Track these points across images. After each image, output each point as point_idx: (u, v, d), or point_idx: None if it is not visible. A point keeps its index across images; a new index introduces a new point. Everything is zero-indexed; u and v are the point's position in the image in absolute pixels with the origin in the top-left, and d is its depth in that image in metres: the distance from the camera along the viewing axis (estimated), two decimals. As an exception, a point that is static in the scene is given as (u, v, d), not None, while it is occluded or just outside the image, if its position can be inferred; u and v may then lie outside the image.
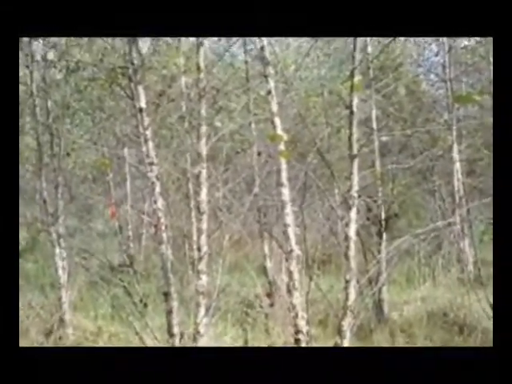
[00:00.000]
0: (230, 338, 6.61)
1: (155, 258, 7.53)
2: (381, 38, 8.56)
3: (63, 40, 7.74)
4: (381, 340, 6.91)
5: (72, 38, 7.66)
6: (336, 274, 8.01)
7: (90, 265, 7.97)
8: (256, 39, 5.53)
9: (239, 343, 6.44)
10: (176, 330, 5.32)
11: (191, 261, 5.82)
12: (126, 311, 5.97)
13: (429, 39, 11.14)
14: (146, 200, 10.36)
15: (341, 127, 9.19)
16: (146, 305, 5.41)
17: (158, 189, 5.49)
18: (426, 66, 12.23)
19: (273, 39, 9.31)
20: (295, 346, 4.97)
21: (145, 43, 8.66)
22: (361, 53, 5.02)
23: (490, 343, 6.31)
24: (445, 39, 10.54)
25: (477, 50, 10.96)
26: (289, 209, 5.20)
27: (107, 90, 8.14)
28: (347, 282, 4.56)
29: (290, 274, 5.19)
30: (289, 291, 5.23)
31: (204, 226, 5.32)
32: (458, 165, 10.19)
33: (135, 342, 5.71)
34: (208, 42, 8.66)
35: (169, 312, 5.34)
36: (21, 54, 7.03)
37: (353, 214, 4.60)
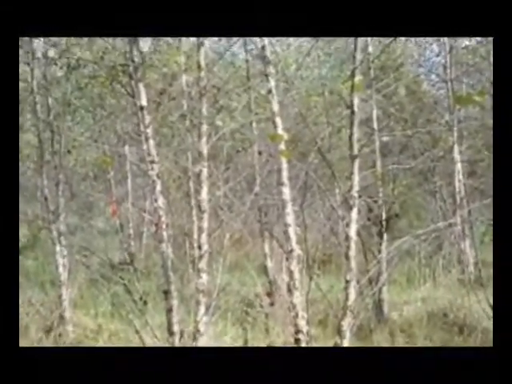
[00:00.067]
0: (229, 337, 6.61)
1: (156, 256, 7.53)
2: (382, 38, 8.56)
3: (64, 38, 7.74)
4: (380, 340, 6.91)
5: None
6: (336, 274, 8.01)
7: (91, 262, 7.97)
8: (257, 39, 5.53)
9: (239, 342, 6.44)
10: (176, 328, 5.31)
11: (192, 259, 5.82)
12: (126, 309, 5.97)
13: (430, 39, 11.14)
14: (147, 198, 10.36)
15: (342, 127, 9.18)
16: (146, 303, 5.41)
17: (158, 187, 5.49)
18: (427, 66, 12.23)
19: (274, 38, 9.33)
20: (295, 345, 4.96)
21: (145, 42, 8.64)
22: (362, 53, 5.01)
23: (489, 344, 6.32)
24: (446, 39, 10.54)
25: (478, 50, 10.95)
26: (289, 208, 5.19)
27: (108, 88, 8.13)
28: (347, 282, 4.56)
29: (290, 273, 5.19)
30: (289, 291, 5.22)
31: (205, 224, 5.32)
32: (458, 166, 10.18)
33: (135, 340, 5.71)
34: (209, 41, 8.66)
35: (169, 310, 5.34)
36: (21, 52, 7.03)
37: (353, 214, 4.60)
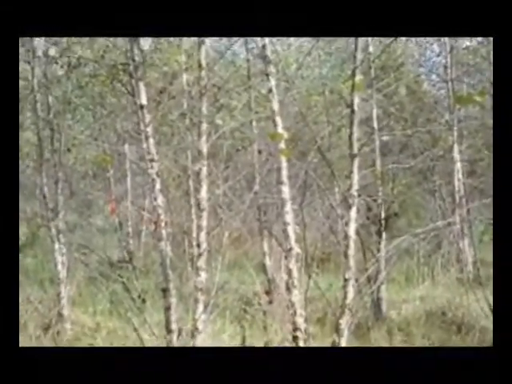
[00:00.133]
0: (227, 335, 6.62)
1: (154, 254, 7.54)
2: (382, 38, 8.57)
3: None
4: (378, 338, 6.92)
5: (73, 35, 7.66)
6: (335, 273, 8.01)
7: (90, 260, 7.98)
8: (258, 38, 5.53)
9: (237, 340, 6.45)
10: (174, 326, 5.32)
11: (190, 257, 5.82)
12: (124, 307, 5.97)
13: (430, 39, 11.14)
14: (146, 196, 10.37)
15: (342, 126, 9.19)
16: (144, 301, 5.41)
17: (158, 185, 5.50)
18: (427, 66, 12.24)
19: (275, 38, 9.33)
20: (293, 344, 4.97)
21: (146, 40, 8.64)
22: (362, 52, 5.03)
23: (487, 342, 6.35)
24: (446, 39, 10.55)
25: (478, 50, 10.96)
26: (289, 207, 5.20)
27: (108, 87, 8.14)
28: (346, 280, 4.57)
29: (289, 271, 5.19)
30: (287, 289, 5.23)
31: (204, 222, 5.32)
32: (458, 165, 10.19)
33: (133, 338, 5.72)
34: (209, 39, 8.64)
35: (167, 308, 5.34)
36: (22, 50, 7.04)
37: (353, 213, 4.62)
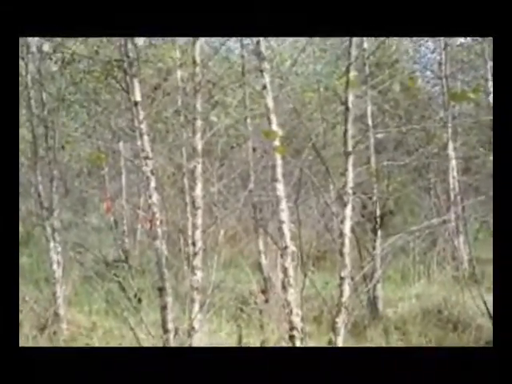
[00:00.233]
0: (224, 334, 6.61)
1: (150, 253, 7.51)
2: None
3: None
4: (375, 337, 6.92)
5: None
6: (331, 271, 8.01)
7: (85, 259, 7.94)
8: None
9: (233, 339, 6.43)
10: (170, 325, 5.30)
11: (186, 256, 5.80)
12: (120, 306, 5.95)
13: (425, 36, 11.14)
14: (141, 195, 10.33)
15: (336, 123, 9.17)
16: (140, 300, 5.38)
17: (153, 183, 5.47)
18: (422, 62, 12.24)
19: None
20: (290, 344, 4.95)
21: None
22: (357, 49, 5.02)
23: (484, 340, 6.35)
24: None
25: (473, 47, 10.98)
26: (284, 205, 5.17)
27: (103, 83, 8.09)
28: (342, 278, 4.56)
29: (284, 270, 5.17)
30: (283, 288, 5.21)
31: (199, 221, 5.30)
32: (453, 162, 10.21)
33: (129, 338, 5.70)
34: (204, 35, 8.61)
35: (163, 307, 5.32)
36: (15, 46, 6.99)
37: (348, 210, 4.61)
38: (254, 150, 8.61)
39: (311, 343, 5.37)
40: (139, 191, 11.00)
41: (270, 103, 5.17)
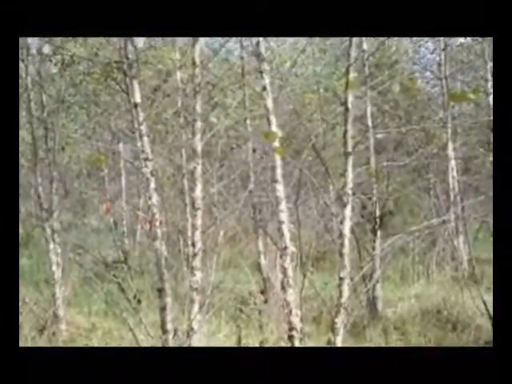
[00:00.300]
0: (223, 335, 6.61)
1: (150, 254, 7.51)
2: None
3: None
4: (374, 337, 6.92)
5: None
6: (330, 271, 8.01)
7: (84, 260, 7.94)
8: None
9: (233, 340, 6.44)
10: (170, 326, 5.30)
11: (186, 257, 5.80)
12: (119, 307, 5.95)
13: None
14: (141, 196, 10.34)
15: (336, 124, 9.17)
16: (139, 301, 5.38)
17: (152, 184, 5.47)
18: (421, 63, 12.25)
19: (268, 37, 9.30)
20: (289, 344, 4.96)
21: (140, 38, 8.63)
22: (356, 50, 5.02)
23: (483, 340, 6.35)
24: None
25: (472, 47, 10.98)
26: (283, 205, 5.18)
27: (102, 85, 8.10)
28: (341, 279, 4.57)
29: (284, 270, 5.17)
30: (283, 288, 5.21)
31: (198, 222, 5.30)
32: (452, 163, 10.21)
33: (129, 339, 5.70)
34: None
35: (162, 308, 5.32)
36: (16, 48, 6.99)
37: (347, 211, 4.61)
38: (254, 150, 8.62)
39: (310, 343, 5.38)
40: (139, 192, 11.00)
41: (270, 104, 5.17)
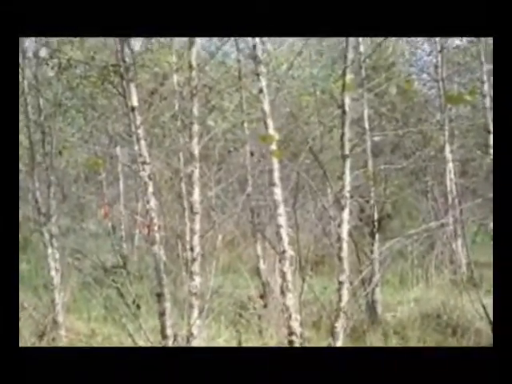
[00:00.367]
0: (223, 340, 6.59)
1: (148, 258, 7.50)
2: (373, 38, 8.56)
3: (55, 37, 7.70)
4: (374, 341, 6.91)
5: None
6: (329, 275, 7.99)
7: (83, 266, 7.92)
8: (248, 37, 5.51)
9: (232, 345, 6.42)
10: (169, 331, 5.29)
11: (184, 262, 5.79)
12: (119, 313, 5.93)
13: (421, 38, 11.17)
14: (139, 200, 10.31)
15: (333, 126, 9.17)
16: (138, 306, 5.37)
17: (150, 188, 5.46)
18: (418, 65, 12.27)
19: (265, 38, 9.30)
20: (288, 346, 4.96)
21: (137, 41, 8.62)
22: (353, 52, 5.02)
23: (483, 344, 6.33)
24: (437, 39, 10.56)
25: (469, 49, 10.99)
26: (281, 209, 5.17)
27: (99, 88, 8.08)
28: (340, 283, 4.56)
29: (283, 275, 5.17)
30: (282, 292, 5.21)
31: (197, 226, 5.29)
32: (450, 165, 10.21)
33: (128, 344, 5.68)
34: (200, 40, 8.61)
35: (162, 313, 5.31)
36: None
37: (345, 214, 4.60)
38: (252, 154, 8.60)
39: (310, 348, 5.36)
40: (137, 196, 10.99)
41: (267, 107, 5.17)
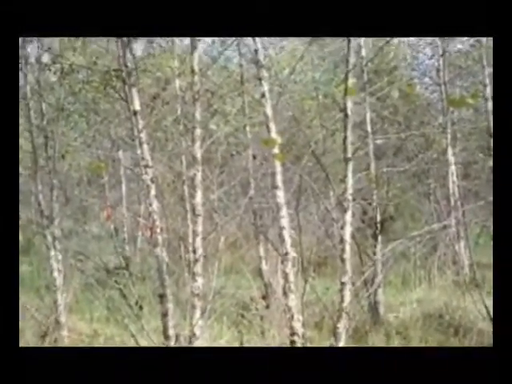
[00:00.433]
0: (225, 341, 6.60)
1: (151, 260, 7.52)
2: (375, 42, 8.60)
3: (57, 42, 7.74)
4: (376, 342, 6.91)
5: (66, 41, 7.66)
6: (331, 277, 8.00)
7: (86, 267, 7.94)
8: (250, 42, 5.53)
9: (234, 345, 6.42)
10: (171, 332, 5.30)
11: (187, 263, 5.81)
12: (121, 313, 5.95)
13: (423, 42, 11.20)
14: (141, 202, 10.34)
15: (336, 130, 9.18)
16: (141, 307, 5.39)
17: (153, 191, 5.48)
18: (420, 69, 12.28)
19: (267, 42, 9.34)
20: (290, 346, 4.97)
21: (139, 46, 8.67)
22: (355, 56, 5.04)
23: (485, 345, 6.34)
24: (439, 42, 10.59)
25: (471, 53, 11.01)
26: (284, 211, 5.19)
27: (101, 93, 8.12)
28: (342, 284, 4.57)
29: (285, 276, 5.18)
30: (284, 293, 5.22)
31: (199, 228, 5.30)
32: (452, 168, 10.22)
33: (130, 345, 5.70)
34: (202, 44, 8.66)
35: (164, 314, 5.32)
36: (15, 57, 7.01)
37: (348, 216, 4.61)
38: (254, 157, 8.63)
39: (312, 349, 5.36)
40: (139, 199, 11.02)
41: (269, 111, 5.19)
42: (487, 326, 6.60)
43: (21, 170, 11.08)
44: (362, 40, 8.16)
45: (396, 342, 6.90)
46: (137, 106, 5.54)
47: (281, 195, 5.23)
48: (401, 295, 8.62)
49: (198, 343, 5.14)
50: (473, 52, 10.85)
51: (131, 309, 5.36)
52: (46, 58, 7.54)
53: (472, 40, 10.33)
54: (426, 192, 11.39)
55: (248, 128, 8.80)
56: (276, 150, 4.87)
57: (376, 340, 6.95)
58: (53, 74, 7.70)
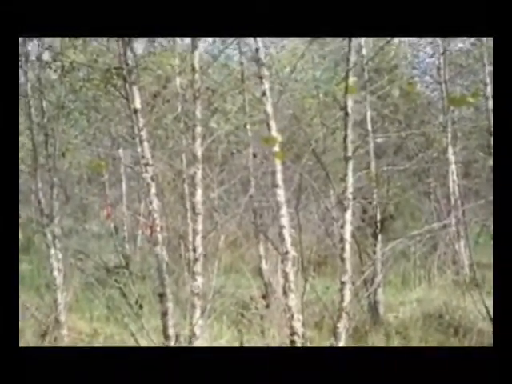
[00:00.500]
0: (225, 340, 6.60)
1: (151, 259, 7.52)
2: (376, 40, 8.59)
3: (58, 41, 7.73)
4: (376, 342, 6.92)
5: (67, 39, 7.66)
6: (331, 276, 8.01)
7: (86, 266, 7.95)
8: (251, 41, 5.52)
9: (235, 345, 6.42)
10: (171, 331, 5.29)
11: (187, 262, 5.81)
12: (121, 312, 5.95)
13: (423, 41, 11.19)
14: (142, 201, 10.34)
15: (336, 128, 9.18)
16: (141, 306, 5.38)
17: (153, 190, 5.47)
18: (420, 67, 12.28)
19: (268, 41, 9.33)
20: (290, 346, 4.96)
21: (139, 44, 8.66)
22: (356, 55, 5.03)
23: (485, 345, 6.34)
24: (440, 41, 10.58)
25: (471, 52, 11.00)
26: (284, 210, 5.18)
27: (102, 91, 8.12)
28: (342, 283, 4.56)
29: (285, 275, 5.17)
30: (284, 293, 5.21)
31: (199, 227, 5.29)
32: (453, 167, 10.22)
33: (130, 344, 5.70)
34: (203, 43, 8.66)
35: (164, 313, 5.32)
36: (15, 55, 7.00)
37: (348, 215, 4.60)
38: (254, 155, 8.63)
39: (312, 349, 5.36)
40: (139, 197, 11.01)
41: (270, 109, 5.18)
42: (487, 326, 6.60)
43: (21, 167, 11.11)
44: (363, 39, 8.15)
45: (396, 342, 6.90)
46: (137, 104, 5.53)
47: (281, 194, 5.22)
48: (400, 295, 8.62)
49: (197, 342, 5.13)
50: (473, 50, 10.85)
51: (131, 308, 5.35)
52: (46, 56, 7.54)
53: (473, 39, 10.32)
54: (426, 191, 11.39)
55: (248, 126, 8.80)
56: (276, 149, 4.85)
57: (376, 340, 6.95)
58: (53, 71, 7.70)
